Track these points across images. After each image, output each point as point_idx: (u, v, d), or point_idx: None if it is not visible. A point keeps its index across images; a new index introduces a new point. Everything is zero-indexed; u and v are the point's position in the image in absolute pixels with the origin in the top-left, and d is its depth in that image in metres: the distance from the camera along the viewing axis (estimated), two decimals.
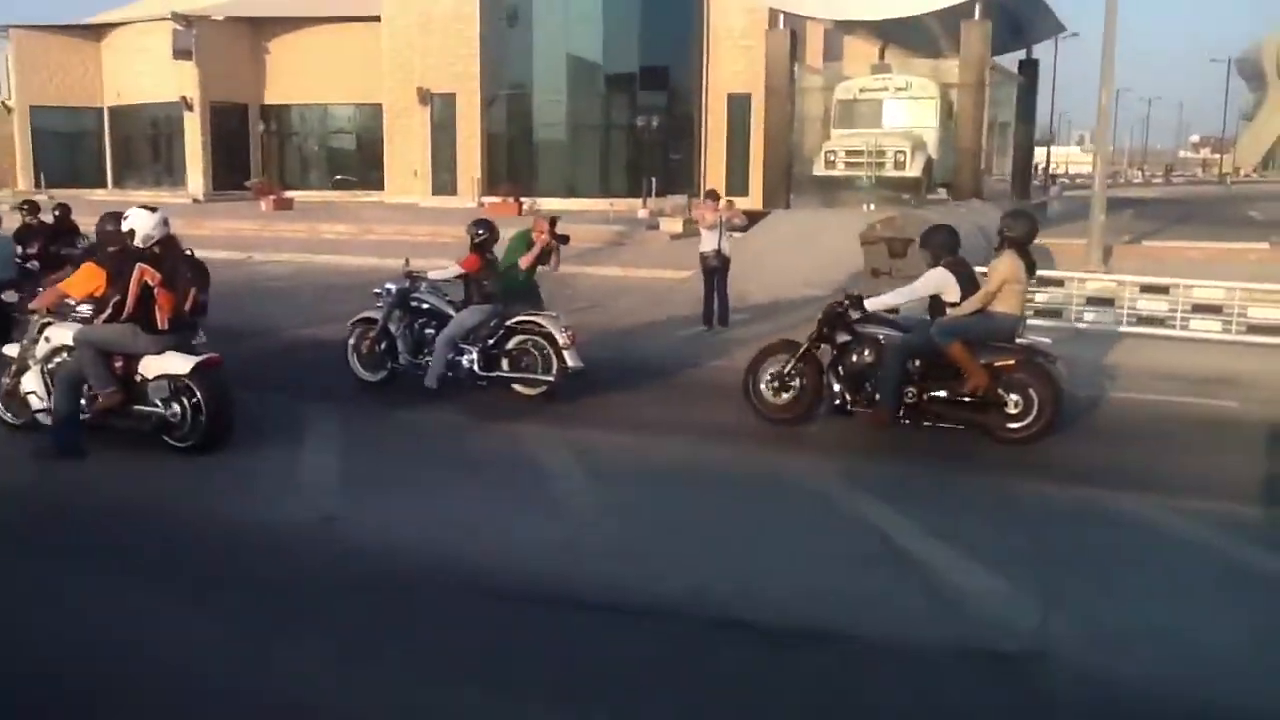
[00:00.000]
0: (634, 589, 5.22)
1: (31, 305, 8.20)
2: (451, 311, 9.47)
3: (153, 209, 7.88)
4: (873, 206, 19.93)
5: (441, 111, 33.11)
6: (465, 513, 6.41)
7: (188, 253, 7.86)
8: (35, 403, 7.94)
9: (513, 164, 33.21)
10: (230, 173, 37.38)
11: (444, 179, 33.28)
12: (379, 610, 5.02)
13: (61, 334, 7.87)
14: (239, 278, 17.48)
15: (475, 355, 9.19)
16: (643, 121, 28.26)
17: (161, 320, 7.43)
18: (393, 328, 9.64)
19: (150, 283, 7.39)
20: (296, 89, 38.05)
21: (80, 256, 10.65)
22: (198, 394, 7.46)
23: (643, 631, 4.82)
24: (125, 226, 7.65)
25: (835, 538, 6.01)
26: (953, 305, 7.97)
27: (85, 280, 7.70)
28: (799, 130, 25.50)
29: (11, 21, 40.12)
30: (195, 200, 35.40)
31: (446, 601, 5.13)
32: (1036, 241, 8.70)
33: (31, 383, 7.96)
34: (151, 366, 7.49)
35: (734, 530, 6.17)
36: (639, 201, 27.13)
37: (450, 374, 9.32)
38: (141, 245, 7.62)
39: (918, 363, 7.91)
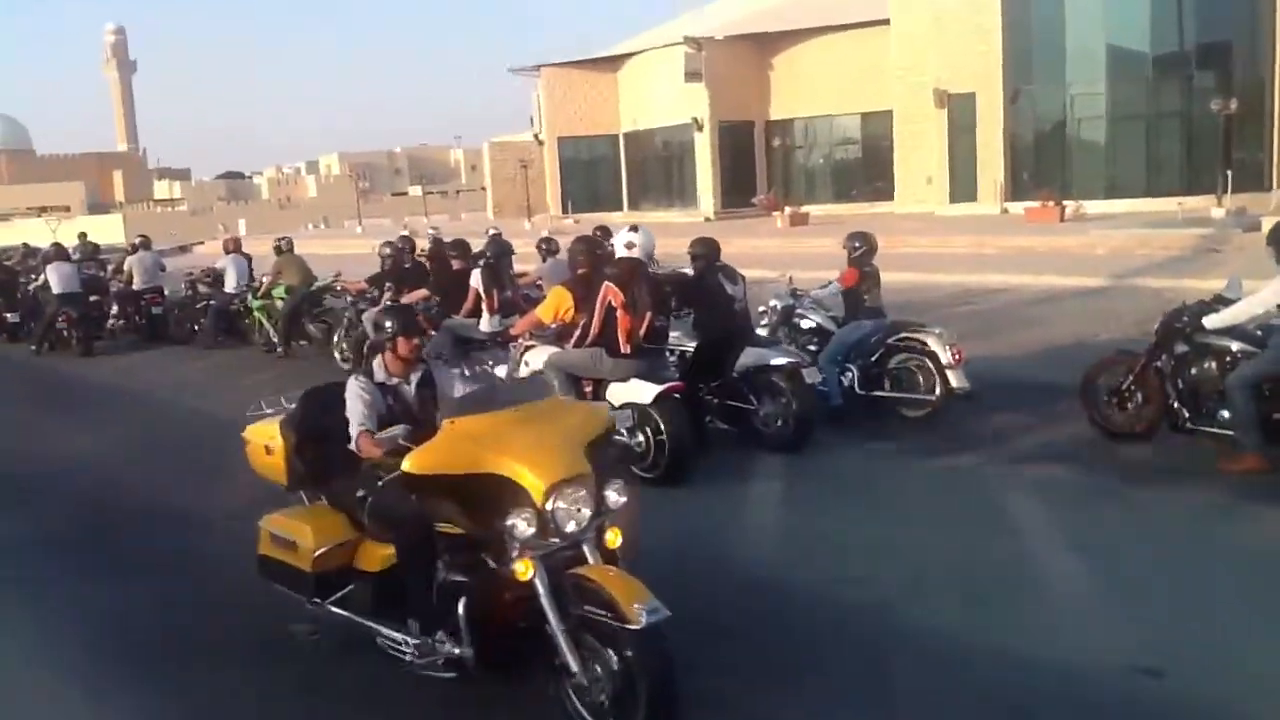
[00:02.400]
0: None
1: (512, 330, 8.42)
2: (834, 328, 9.23)
3: (634, 229, 7.85)
4: None
5: (959, 113, 30.62)
6: None
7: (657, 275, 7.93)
8: None
9: (1041, 165, 29.86)
10: (736, 190, 37.63)
11: (962, 184, 30.70)
12: None
13: (538, 358, 7.95)
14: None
15: (855, 373, 8.83)
16: (1218, 105, 24.01)
17: (623, 343, 7.28)
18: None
19: (614, 303, 7.28)
20: (800, 102, 37.48)
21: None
22: (660, 423, 7.25)
23: None
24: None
25: None
26: None
27: (554, 304, 7.73)
28: None
29: (540, 62, 43.57)
30: (706, 219, 35.93)
31: None
32: None
33: None
34: (617, 394, 7.36)
35: None
36: (1210, 199, 23.10)
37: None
38: (610, 262, 7.73)
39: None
